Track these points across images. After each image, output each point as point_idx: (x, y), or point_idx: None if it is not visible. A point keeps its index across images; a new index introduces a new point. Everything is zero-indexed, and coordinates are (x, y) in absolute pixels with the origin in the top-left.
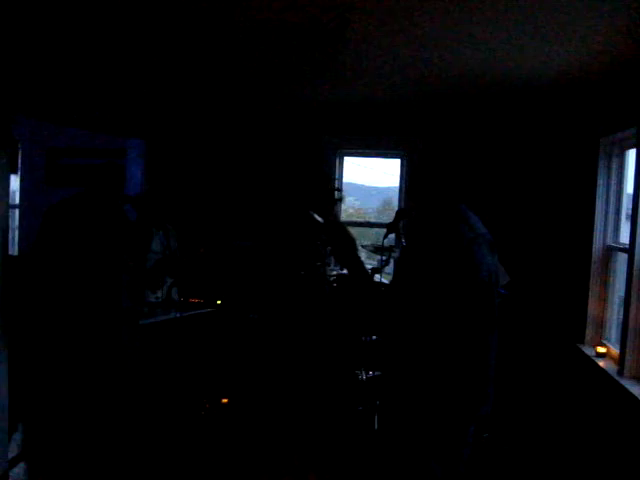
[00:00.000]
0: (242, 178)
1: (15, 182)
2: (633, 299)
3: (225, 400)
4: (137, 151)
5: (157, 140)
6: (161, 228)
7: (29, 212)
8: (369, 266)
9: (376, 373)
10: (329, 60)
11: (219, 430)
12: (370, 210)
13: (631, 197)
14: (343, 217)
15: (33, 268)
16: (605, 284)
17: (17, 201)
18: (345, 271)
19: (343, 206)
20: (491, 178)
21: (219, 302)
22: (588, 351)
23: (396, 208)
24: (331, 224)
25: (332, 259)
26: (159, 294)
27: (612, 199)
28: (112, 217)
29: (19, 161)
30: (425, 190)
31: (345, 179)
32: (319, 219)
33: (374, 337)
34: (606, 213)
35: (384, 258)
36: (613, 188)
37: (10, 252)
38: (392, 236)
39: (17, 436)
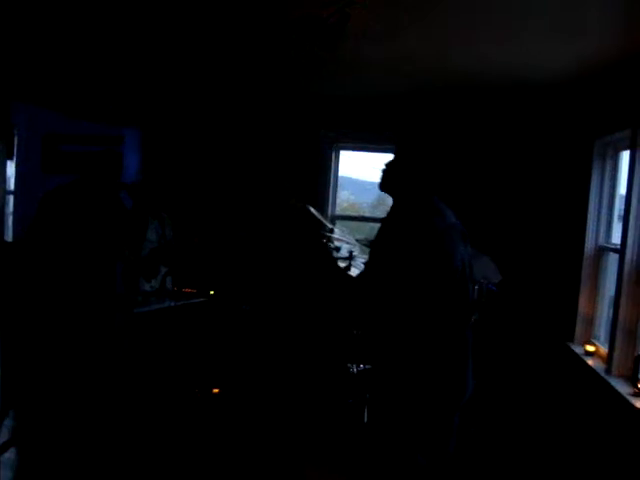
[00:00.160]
0: (237, 169)
1: (11, 168)
2: (623, 299)
3: (216, 390)
4: (133, 139)
5: (153, 129)
6: (157, 217)
7: (25, 198)
8: (361, 260)
9: (367, 366)
10: (328, 55)
11: (210, 419)
12: (365, 204)
13: (624, 198)
14: (338, 211)
15: (28, 254)
16: (596, 284)
17: (12, 187)
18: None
19: (338, 200)
20: (485, 177)
21: (212, 292)
22: (577, 349)
23: (391, 203)
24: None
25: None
26: (153, 283)
27: (605, 200)
28: (109, 204)
29: (15, 147)
30: (399, 182)
31: (340, 173)
32: (316, 213)
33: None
34: (599, 214)
35: None
36: (606, 189)
37: (5, 238)
38: None
39: (8, 422)
